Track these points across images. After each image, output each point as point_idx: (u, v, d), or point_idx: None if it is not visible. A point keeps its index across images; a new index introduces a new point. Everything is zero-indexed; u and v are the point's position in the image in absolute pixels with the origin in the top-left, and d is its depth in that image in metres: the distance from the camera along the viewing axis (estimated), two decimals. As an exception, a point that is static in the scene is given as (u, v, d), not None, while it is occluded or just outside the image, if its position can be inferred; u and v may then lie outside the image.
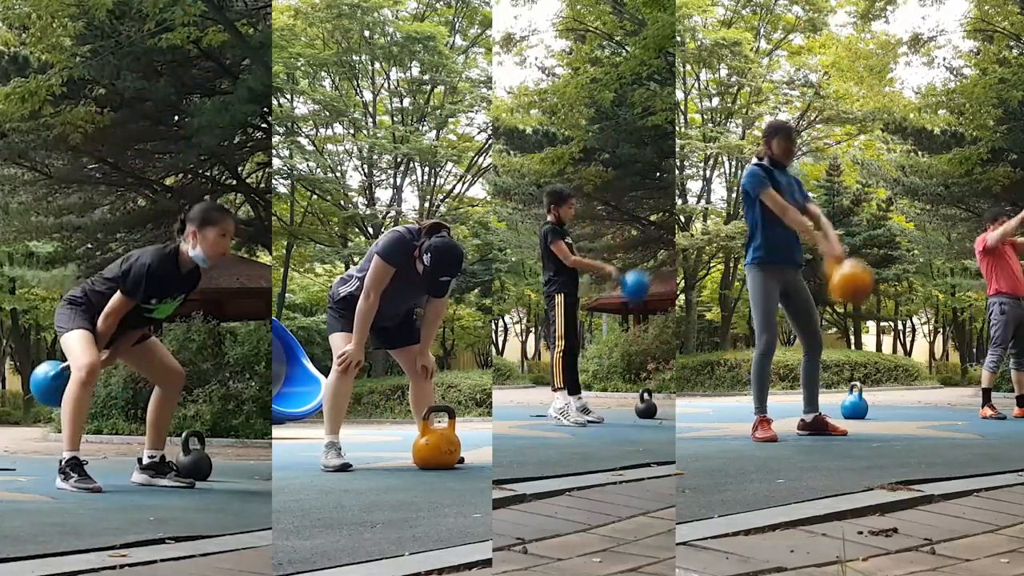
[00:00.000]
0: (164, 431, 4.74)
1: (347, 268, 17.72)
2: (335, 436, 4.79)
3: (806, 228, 5.45)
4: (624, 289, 7.41)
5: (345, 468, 4.67)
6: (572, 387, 7.01)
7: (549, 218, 7.15)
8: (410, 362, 5.06)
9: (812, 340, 5.65)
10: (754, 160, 5.61)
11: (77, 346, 4.41)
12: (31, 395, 5.66)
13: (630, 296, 7.59)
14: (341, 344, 4.80)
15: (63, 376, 4.44)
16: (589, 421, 6.89)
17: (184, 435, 4.93)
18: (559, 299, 7.00)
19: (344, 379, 4.81)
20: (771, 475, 3.78)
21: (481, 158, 17.85)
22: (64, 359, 4.48)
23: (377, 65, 17.56)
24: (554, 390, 6.94)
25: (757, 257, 5.48)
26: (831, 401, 7.29)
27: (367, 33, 17.12)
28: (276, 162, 16.38)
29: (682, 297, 17.02)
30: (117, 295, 4.41)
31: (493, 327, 20.59)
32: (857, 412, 7.21)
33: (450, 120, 18.12)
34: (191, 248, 4.36)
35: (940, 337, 22.20)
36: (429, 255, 4.58)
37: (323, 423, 4.95)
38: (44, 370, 4.63)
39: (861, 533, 2.74)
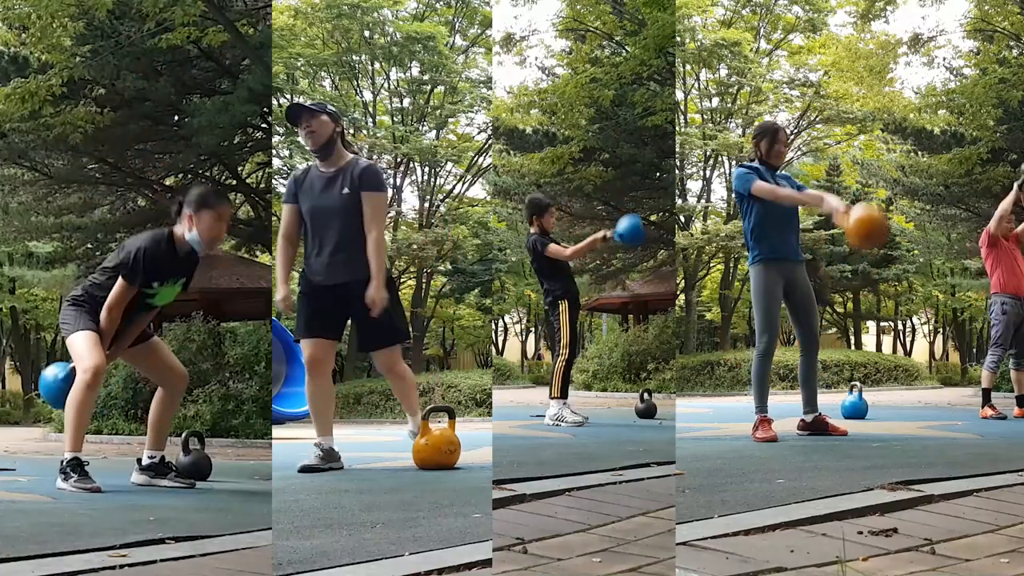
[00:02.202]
0: (165, 432, 4.74)
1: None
2: (323, 438, 4.75)
3: (803, 199, 5.47)
4: (621, 239, 7.11)
5: (308, 470, 4.60)
6: (565, 392, 7.02)
7: (532, 229, 7.11)
8: (384, 364, 4.91)
9: (809, 338, 5.66)
10: (744, 163, 5.65)
11: (82, 347, 4.41)
12: (32, 395, 5.68)
13: (628, 241, 7.26)
14: (307, 350, 4.73)
15: (71, 377, 4.43)
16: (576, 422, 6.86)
17: (184, 435, 4.93)
18: (563, 306, 6.97)
19: (314, 381, 4.74)
20: (771, 475, 3.78)
21: (481, 158, 17.85)
22: (69, 359, 4.48)
23: (377, 65, 17.55)
24: (552, 398, 6.92)
25: (758, 256, 5.51)
26: (831, 401, 7.30)
27: (367, 33, 17.11)
28: (276, 162, 16.38)
29: (682, 297, 17.02)
30: (119, 283, 4.40)
31: (493, 327, 20.59)
32: (857, 412, 7.21)
33: (450, 120, 18.12)
34: (187, 231, 4.38)
35: (940, 337, 22.19)
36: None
37: (308, 425, 4.92)
38: (53, 372, 4.65)
39: (861, 533, 2.74)
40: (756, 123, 17.50)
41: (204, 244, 4.39)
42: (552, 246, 6.99)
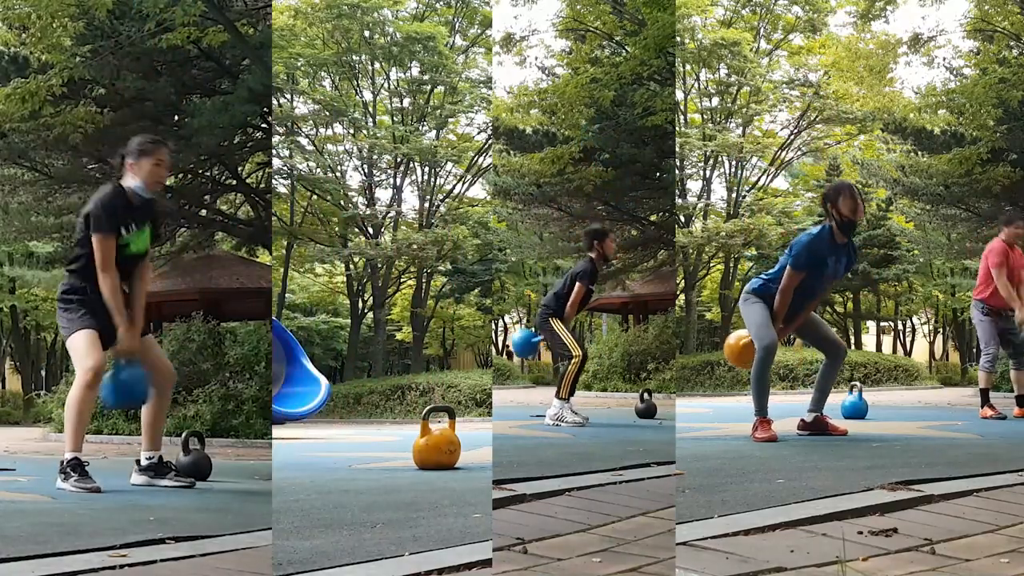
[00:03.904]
0: (159, 432, 4.73)
1: (347, 268, 17.72)
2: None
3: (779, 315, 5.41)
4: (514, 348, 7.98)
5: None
6: (572, 394, 7.05)
7: (592, 255, 7.19)
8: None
9: (833, 348, 5.68)
10: (823, 224, 5.43)
11: (82, 347, 4.42)
12: (31, 395, 5.64)
13: (517, 353, 8.25)
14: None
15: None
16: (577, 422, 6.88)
17: (184, 435, 4.93)
18: (555, 324, 7.15)
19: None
20: (771, 475, 3.78)
21: (481, 158, 17.84)
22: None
23: (377, 65, 17.55)
24: (558, 397, 6.93)
25: (762, 288, 5.51)
26: (831, 401, 7.27)
27: (367, 33, 17.11)
28: (276, 162, 16.38)
29: (682, 297, 17.01)
30: (96, 241, 4.47)
31: (493, 327, 20.57)
32: (857, 412, 7.21)
33: (450, 120, 18.11)
34: (131, 180, 4.54)
35: (940, 337, 22.17)
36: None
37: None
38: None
39: (861, 533, 2.74)
40: (756, 122, 17.52)
41: (146, 189, 4.55)
42: (581, 289, 7.11)
